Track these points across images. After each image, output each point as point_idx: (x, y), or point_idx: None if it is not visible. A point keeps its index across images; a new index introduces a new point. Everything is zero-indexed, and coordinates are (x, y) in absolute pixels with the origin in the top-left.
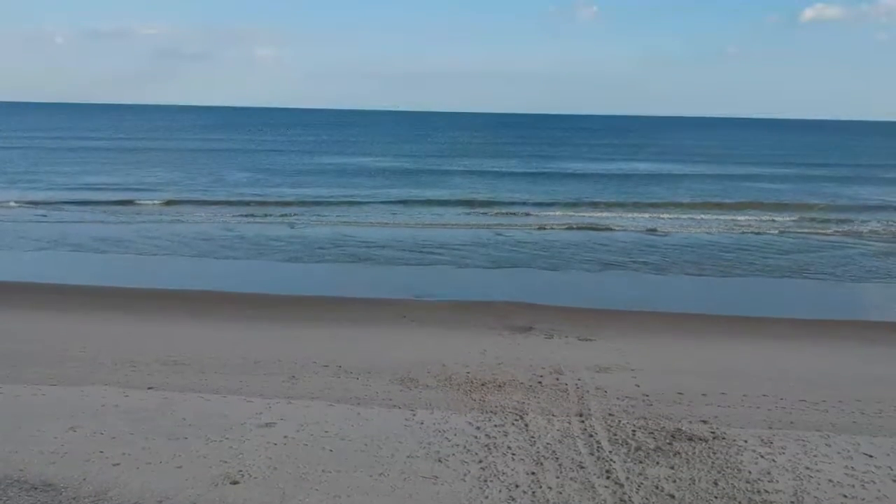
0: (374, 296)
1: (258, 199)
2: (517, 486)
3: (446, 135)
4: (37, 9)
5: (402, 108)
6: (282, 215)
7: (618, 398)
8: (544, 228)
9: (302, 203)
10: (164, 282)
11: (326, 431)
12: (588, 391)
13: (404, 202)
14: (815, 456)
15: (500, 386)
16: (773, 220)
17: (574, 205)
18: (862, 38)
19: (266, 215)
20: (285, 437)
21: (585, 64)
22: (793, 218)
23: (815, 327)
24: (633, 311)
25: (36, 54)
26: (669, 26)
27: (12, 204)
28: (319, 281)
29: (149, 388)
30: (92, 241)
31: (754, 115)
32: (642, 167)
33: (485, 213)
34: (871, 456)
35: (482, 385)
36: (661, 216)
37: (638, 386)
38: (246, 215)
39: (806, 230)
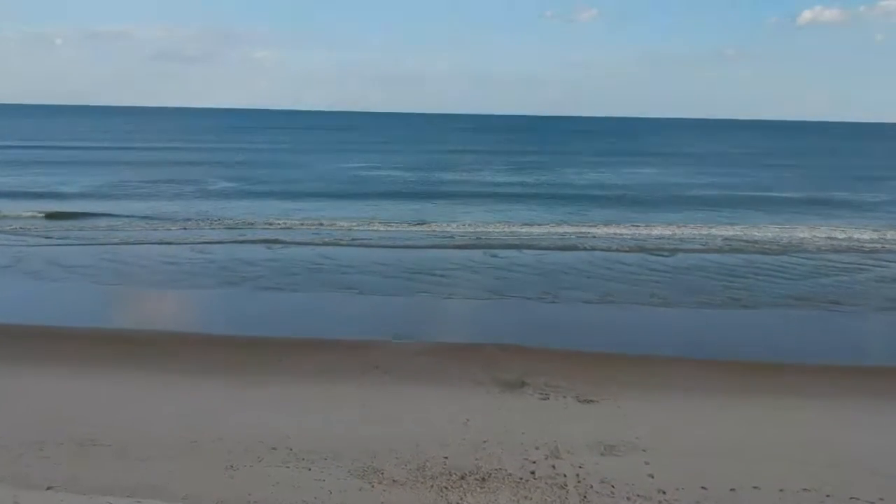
0: (345, 336)
1: (239, 214)
2: None
3: (444, 139)
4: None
5: (402, 110)
6: (261, 237)
7: (628, 498)
8: (541, 249)
9: (285, 219)
10: (109, 319)
11: None
12: (591, 486)
13: (394, 219)
14: None
15: (483, 479)
16: (784, 238)
17: (569, 222)
18: (860, 40)
19: (243, 235)
20: None
21: (584, 66)
22: (803, 235)
23: (852, 378)
24: (637, 355)
25: (35, 56)
26: (668, 28)
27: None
28: (288, 316)
29: (48, 489)
30: (38, 264)
31: (754, 118)
32: (640, 177)
33: (477, 231)
34: None
35: (461, 478)
36: (663, 233)
37: (652, 476)
38: (221, 235)
39: (818, 249)
